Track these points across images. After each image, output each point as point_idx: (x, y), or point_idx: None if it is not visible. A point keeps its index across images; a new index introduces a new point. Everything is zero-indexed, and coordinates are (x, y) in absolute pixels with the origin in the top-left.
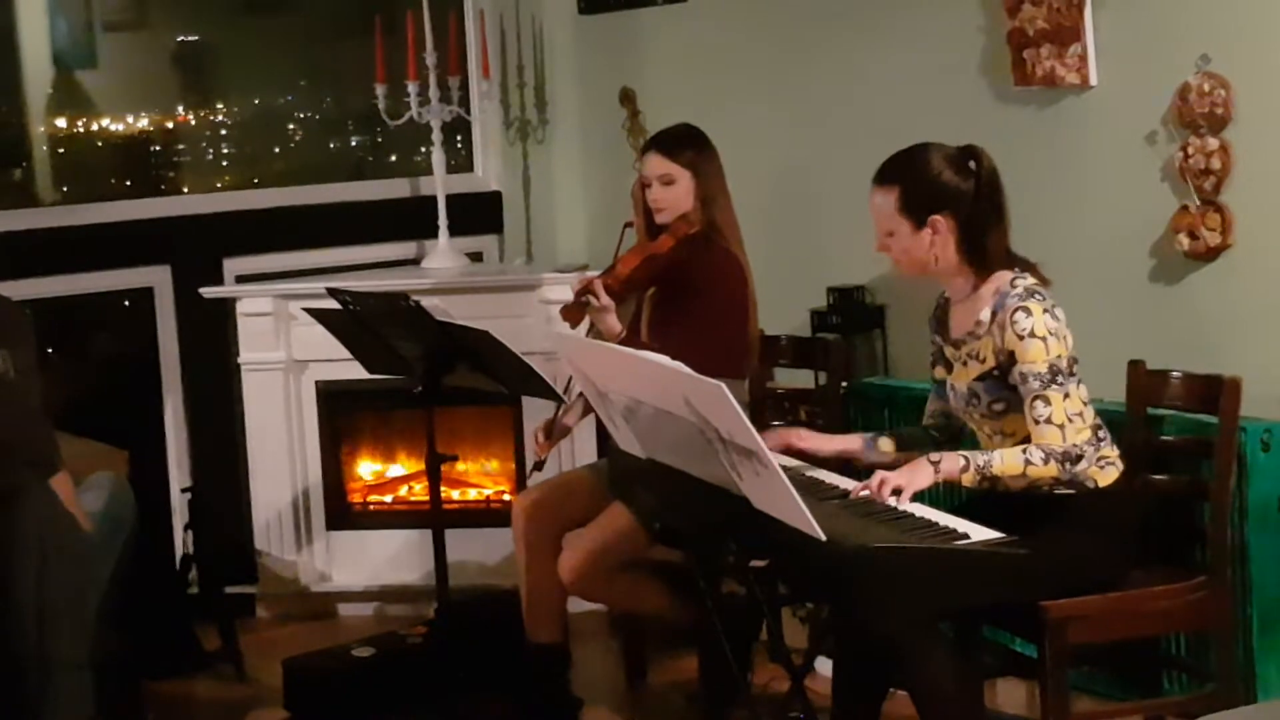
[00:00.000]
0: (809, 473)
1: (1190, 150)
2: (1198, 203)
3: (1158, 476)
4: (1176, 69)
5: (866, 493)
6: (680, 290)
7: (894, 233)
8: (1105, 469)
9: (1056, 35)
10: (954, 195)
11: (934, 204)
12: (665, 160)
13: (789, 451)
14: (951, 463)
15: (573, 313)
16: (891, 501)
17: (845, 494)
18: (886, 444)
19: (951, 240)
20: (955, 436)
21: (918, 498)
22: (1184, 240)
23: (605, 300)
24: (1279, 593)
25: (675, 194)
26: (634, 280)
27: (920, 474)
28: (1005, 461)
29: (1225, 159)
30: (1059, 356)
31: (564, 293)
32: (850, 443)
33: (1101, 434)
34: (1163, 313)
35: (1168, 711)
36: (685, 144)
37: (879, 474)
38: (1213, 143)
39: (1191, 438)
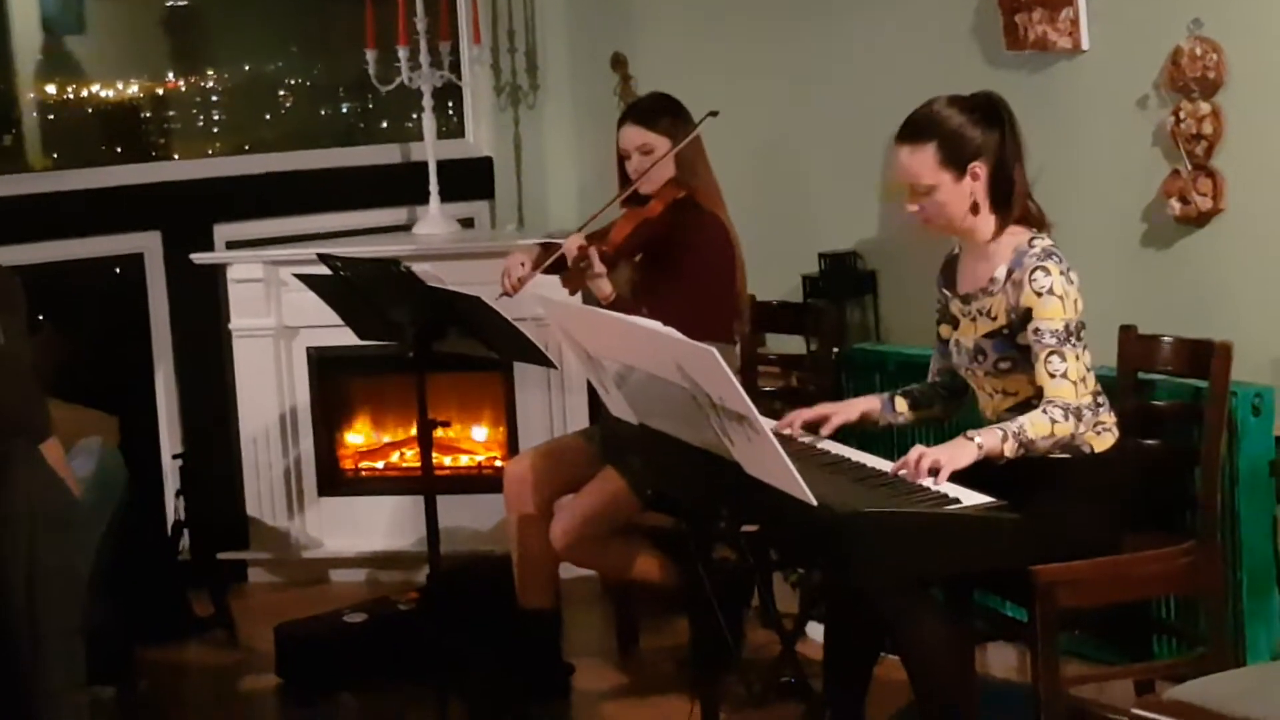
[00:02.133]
0: (800, 439)
1: (1182, 115)
2: (1189, 167)
3: (1149, 441)
4: (1168, 33)
5: (904, 471)
6: (668, 255)
7: (935, 187)
8: (1102, 435)
9: None
10: (985, 141)
11: (971, 152)
12: (643, 130)
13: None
14: (991, 438)
15: (573, 280)
16: (928, 482)
17: (840, 459)
18: (902, 404)
19: (986, 186)
20: (960, 393)
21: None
22: (1175, 205)
23: (600, 267)
24: (1268, 556)
25: (653, 161)
26: (627, 247)
27: (963, 452)
28: (1035, 424)
29: (1217, 123)
30: (1072, 318)
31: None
32: (870, 404)
33: (1100, 400)
34: (1154, 278)
35: (1157, 675)
36: (661, 113)
37: (917, 449)
38: (1204, 107)
39: (1182, 402)
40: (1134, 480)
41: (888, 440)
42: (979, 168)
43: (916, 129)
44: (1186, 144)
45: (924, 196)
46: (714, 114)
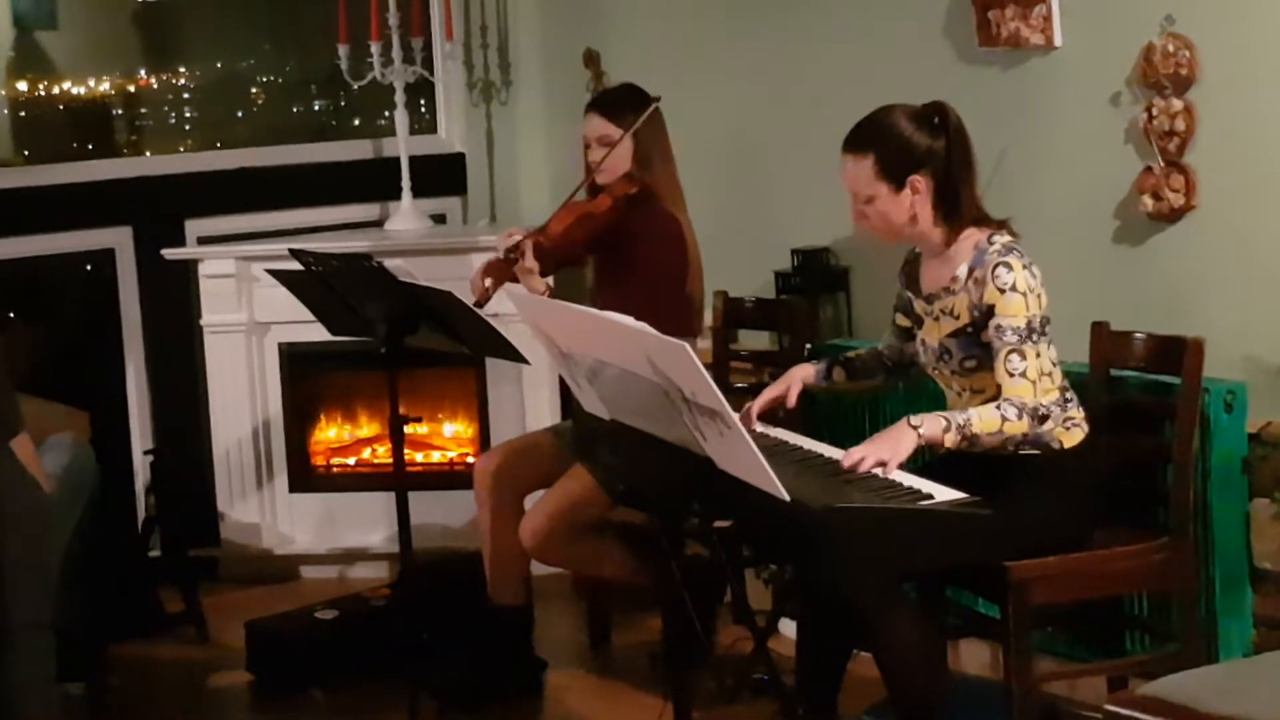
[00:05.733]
0: (773, 434)
1: (1154, 111)
2: (1162, 164)
3: (1121, 438)
4: (1141, 30)
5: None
6: (619, 252)
7: (873, 198)
8: (1071, 430)
9: None
10: (928, 153)
11: (910, 164)
12: (604, 121)
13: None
14: (933, 425)
15: (500, 270)
16: (878, 471)
17: (811, 455)
18: (839, 375)
19: (929, 198)
20: (906, 366)
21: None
22: (1148, 201)
23: (531, 261)
24: (1241, 553)
25: (613, 155)
26: (568, 239)
27: (903, 443)
28: (983, 419)
29: (1189, 120)
30: (1035, 314)
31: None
32: (805, 373)
33: (1069, 395)
34: (1126, 274)
35: (1130, 672)
36: (625, 105)
37: (858, 450)
38: (1177, 104)
39: (1155, 399)
40: (1104, 475)
41: (860, 433)
42: (920, 181)
43: (858, 139)
44: (1159, 140)
45: (866, 205)
46: (658, 100)
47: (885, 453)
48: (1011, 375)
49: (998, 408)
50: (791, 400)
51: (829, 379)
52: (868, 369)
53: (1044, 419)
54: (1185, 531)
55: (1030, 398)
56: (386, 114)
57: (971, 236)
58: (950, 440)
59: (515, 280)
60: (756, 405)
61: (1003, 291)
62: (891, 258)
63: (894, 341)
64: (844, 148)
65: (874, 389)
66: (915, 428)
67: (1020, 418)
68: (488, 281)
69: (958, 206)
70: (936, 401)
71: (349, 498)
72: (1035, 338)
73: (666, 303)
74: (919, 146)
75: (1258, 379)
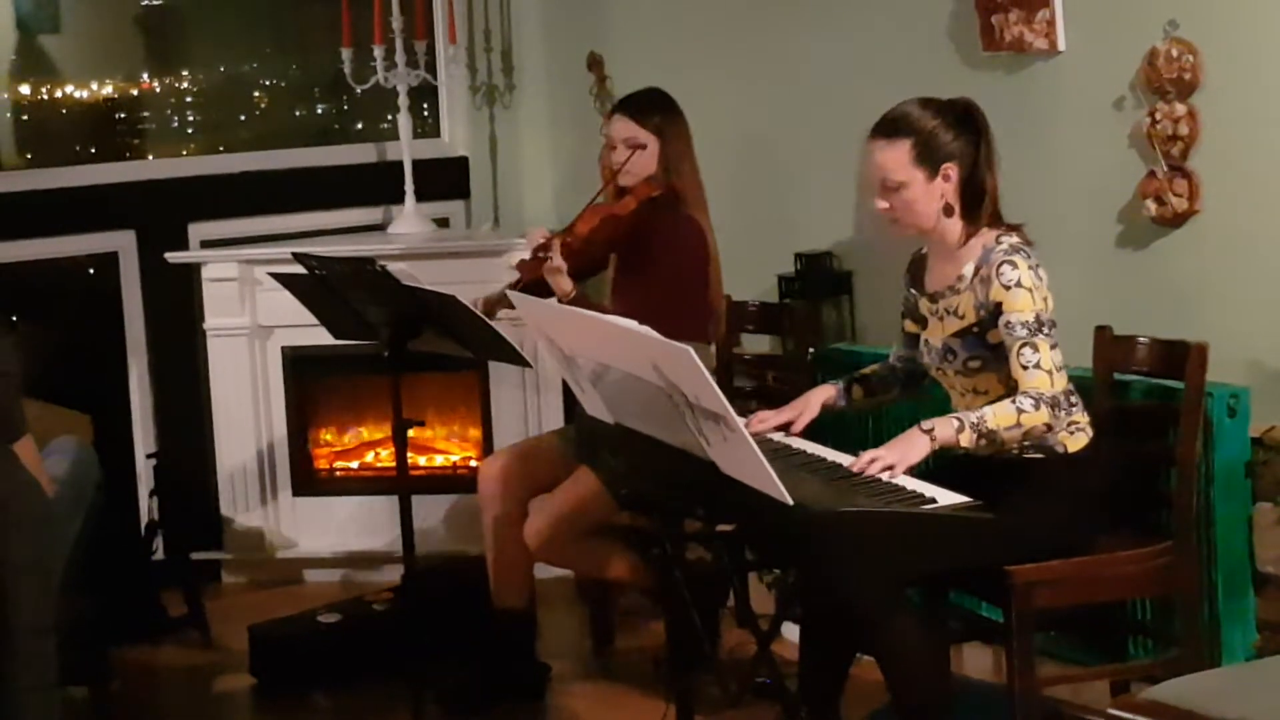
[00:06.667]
0: (777, 439)
1: (1158, 116)
2: (1165, 169)
3: (1124, 442)
4: (1145, 34)
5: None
6: (641, 254)
7: (905, 184)
8: (1075, 434)
9: (1025, 0)
10: (960, 146)
11: (945, 154)
12: (631, 124)
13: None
14: (946, 428)
15: (529, 267)
16: (885, 475)
17: (815, 459)
18: (858, 392)
19: (957, 191)
20: (920, 377)
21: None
22: (1151, 206)
23: (559, 261)
24: (1244, 558)
25: (639, 158)
26: (593, 240)
27: (914, 448)
28: (998, 414)
29: (1193, 125)
30: (1042, 309)
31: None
32: (826, 394)
33: (1073, 399)
34: (1130, 278)
35: (1133, 676)
36: (653, 108)
37: (866, 454)
38: (1180, 108)
39: (1158, 403)
40: (1108, 480)
41: (864, 438)
42: (951, 170)
43: (893, 125)
44: (1162, 145)
45: (893, 193)
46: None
47: (894, 457)
48: (1026, 368)
49: (1013, 401)
50: (798, 427)
51: (848, 399)
52: (884, 384)
53: (1057, 405)
54: (1188, 536)
55: (1048, 389)
56: (390, 118)
57: (982, 237)
58: (966, 440)
59: (542, 280)
60: (767, 423)
61: (1008, 288)
62: (895, 261)
63: (904, 351)
64: (874, 134)
65: (890, 401)
66: (927, 432)
67: (1038, 408)
68: (519, 273)
69: (980, 203)
70: (941, 406)
71: (352, 501)
72: (1046, 330)
73: (685, 306)
74: (951, 137)
75: (1261, 383)
